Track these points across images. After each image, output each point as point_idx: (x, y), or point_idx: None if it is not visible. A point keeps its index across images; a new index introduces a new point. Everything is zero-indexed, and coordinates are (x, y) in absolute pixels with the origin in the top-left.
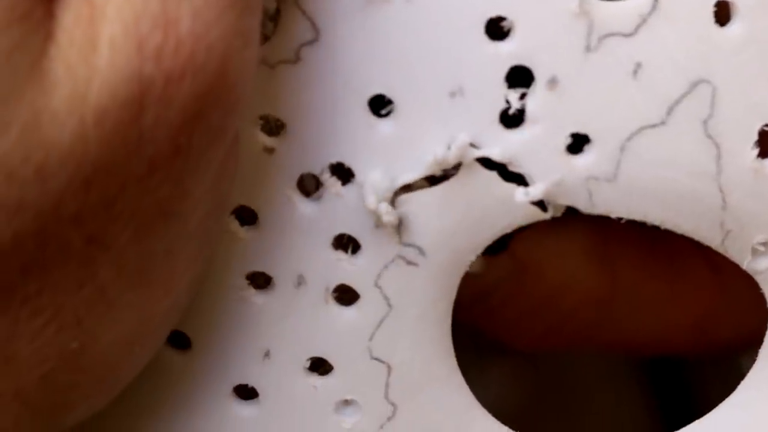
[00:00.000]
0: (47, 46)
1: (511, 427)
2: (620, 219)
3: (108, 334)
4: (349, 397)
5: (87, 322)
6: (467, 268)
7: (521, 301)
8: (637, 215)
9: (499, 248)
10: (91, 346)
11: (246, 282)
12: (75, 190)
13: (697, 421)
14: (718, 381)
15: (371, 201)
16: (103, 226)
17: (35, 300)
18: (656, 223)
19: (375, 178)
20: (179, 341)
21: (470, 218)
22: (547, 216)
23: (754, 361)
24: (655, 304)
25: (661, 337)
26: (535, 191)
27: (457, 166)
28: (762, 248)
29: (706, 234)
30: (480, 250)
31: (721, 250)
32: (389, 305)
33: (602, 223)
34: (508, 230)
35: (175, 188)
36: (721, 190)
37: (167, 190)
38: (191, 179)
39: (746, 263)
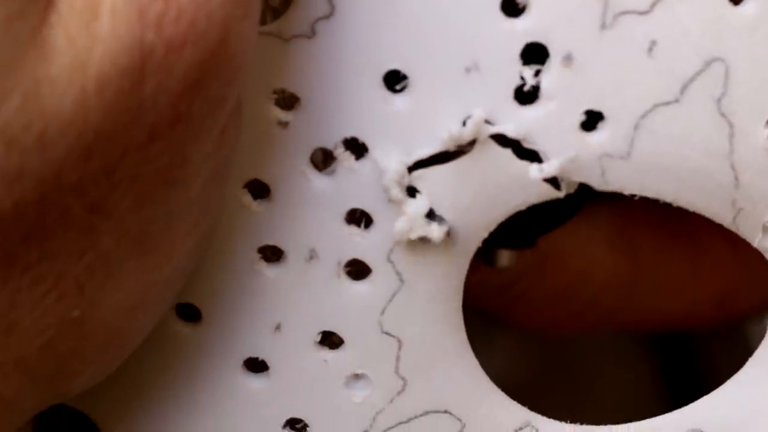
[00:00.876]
0: (48, 14)
1: (515, 398)
2: (633, 196)
3: (110, 301)
4: (359, 372)
5: (88, 290)
6: (479, 244)
7: (544, 290)
8: (650, 192)
9: (527, 242)
10: (93, 315)
11: (258, 255)
12: (76, 159)
13: (704, 397)
14: (725, 354)
15: (386, 177)
16: (103, 195)
17: (36, 268)
18: (669, 200)
19: (389, 153)
20: (190, 314)
21: (484, 195)
22: (560, 194)
23: (761, 334)
24: (677, 284)
25: (683, 315)
26: (549, 168)
27: (472, 143)
28: None
29: (718, 211)
30: (493, 226)
31: (732, 228)
32: (401, 280)
33: (623, 208)
34: (522, 207)
35: (175, 156)
36: (733, 169)
37: (168, 158)
38: (191, 147)
39: (757, 241)
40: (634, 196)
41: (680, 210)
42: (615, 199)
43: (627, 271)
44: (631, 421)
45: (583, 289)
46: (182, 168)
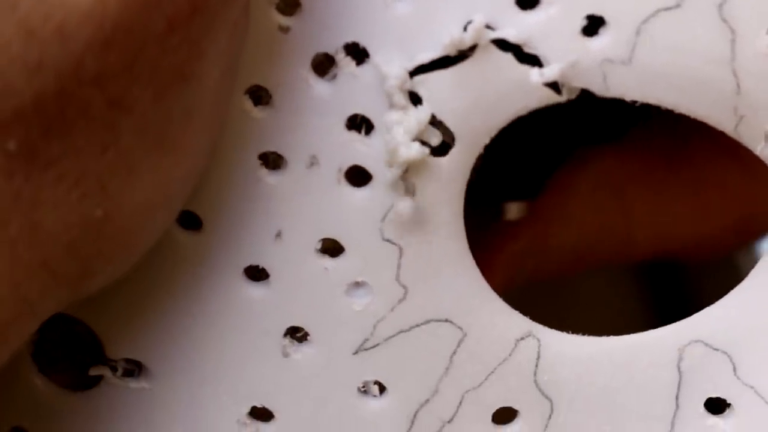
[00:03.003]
0: None
1: None
2: (635, 102)
3: (131, 200)
4: (360, 279)
5: (110, 188)
6: (481, 151)
7: (550, 248)
8: (651, 99)
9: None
10: (115, 214)
11: (258, 162)
12: (95, 51)
13: (707, 308)
14: (713, 280)
15: (387, 83)
16: (123, 88)
17: (58, 165)
18: (670, 107)
19: (390, 58)
20: (190, 221)
21: (485, 100)
22: (561, 99)
23: (750, 260)
24: (680, 220)
25: (695, 246)
26: (550, 72)
27: (473, 48)
28: None
29: (720, 119)
30: (495, 132)
31: (734, 136)
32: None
33: (609, 153)
34: (523, 112)
35: (192, 48)
36: (735, 75)
37: (185, 50)
38: (206, 40)
39: (759, 149)
40: (635, 102)
41: (681, 144)
42: (601, 145)
43: (618, 218)
44: None
45: (579, 243)
46: (198, 61)
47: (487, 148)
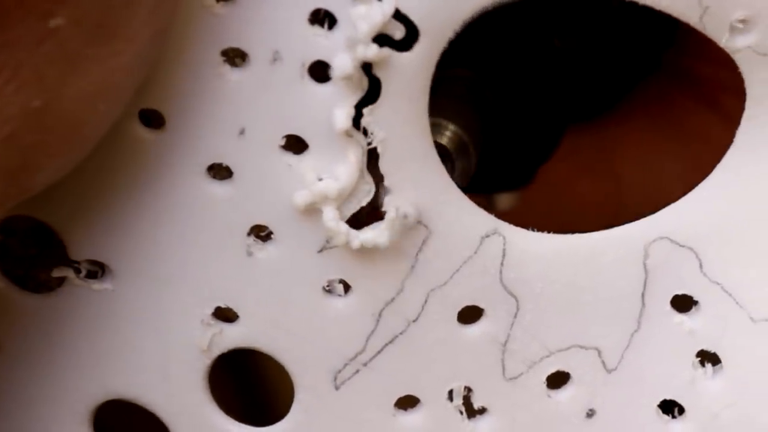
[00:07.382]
0: None
1: None
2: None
3: (71, 90)
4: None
5: (49, 79)
6: (445, 45)
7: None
8: None
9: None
10: (55, 104)
11: (221, 58)
12: None
13: (671, 205)
14: None
15: None
16: None
17: None
18: None
19: None
20: (152, 119)
21: None
22: None
23: None
24: (674, 174)
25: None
26: None
27: None
28: (740, 25)
29: (684, 10)
30: (459, 26)
31: (699, 28)
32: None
33: (597, 128)
34: (487, 4)
35: None
36: None
37: None
38: None
39: (724, 41)
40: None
41: (665, 105)
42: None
43: (609, 191)
44: None
45: (574, 218)
46: None
47: (481, 139)
